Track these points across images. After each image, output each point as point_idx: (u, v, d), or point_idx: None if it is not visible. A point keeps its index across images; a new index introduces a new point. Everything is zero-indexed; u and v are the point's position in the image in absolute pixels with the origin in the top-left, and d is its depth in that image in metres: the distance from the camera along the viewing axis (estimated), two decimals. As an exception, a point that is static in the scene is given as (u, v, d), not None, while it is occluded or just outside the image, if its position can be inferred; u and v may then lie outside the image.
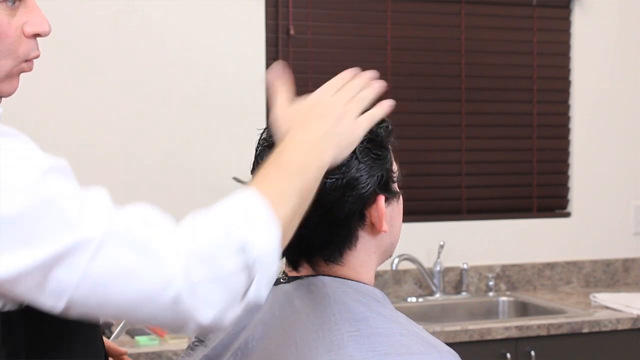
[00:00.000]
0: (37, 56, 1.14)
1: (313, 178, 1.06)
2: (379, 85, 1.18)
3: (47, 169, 0.99)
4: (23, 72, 1.13)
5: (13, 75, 1.12)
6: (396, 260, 3.26)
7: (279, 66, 1.19)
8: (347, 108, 1.12)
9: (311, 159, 1.06)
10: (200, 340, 1.29)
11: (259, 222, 0.98)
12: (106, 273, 0.95)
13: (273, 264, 1.00)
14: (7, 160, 0.96)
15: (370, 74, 1.20)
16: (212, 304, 0.96)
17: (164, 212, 1.00)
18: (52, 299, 0.95)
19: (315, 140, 1.08)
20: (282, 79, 1.18)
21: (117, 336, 1.84)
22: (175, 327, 0.99)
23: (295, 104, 1.15)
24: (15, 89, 1.14)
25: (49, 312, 0.97)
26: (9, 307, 1.01)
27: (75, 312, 0.97)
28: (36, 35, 1.13)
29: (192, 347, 1.30)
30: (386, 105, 1.16)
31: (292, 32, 3.29)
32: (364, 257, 1.23)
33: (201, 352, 1.27)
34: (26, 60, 1.13)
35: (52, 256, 0.93)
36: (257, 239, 0.97)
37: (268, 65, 3.26)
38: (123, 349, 1.47)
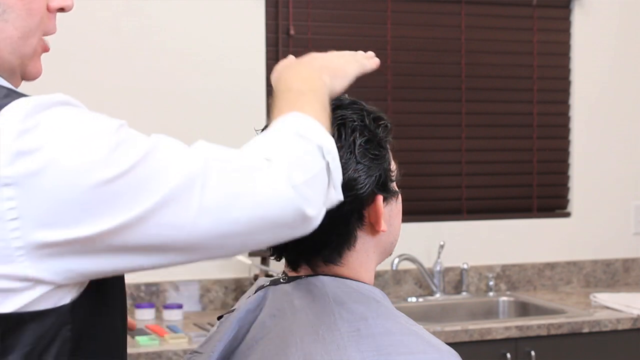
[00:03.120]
0: (54, 32, 1.14)
1: (322, 94, 1.16)
2: (376, 60, 1.30)
3: (120, 126, 1.02)
4: (44, 51, 1.15)
5: (37, 54, 1.13)
6: (396, 260, 3.26)
7: None
8: (339, 57, 1.26)
9: (314, 81, 1.17)
10: (197, 352, 1.29)
11: (319, 130, 1.08)
12: (220, 199, 0.99)
13: (338, 162, 1.09)
14: (90, 125, 0.99)
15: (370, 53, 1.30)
16: (314, 199, 1.04)
17: None
18: (170, 240, 0.98)
19: (310, 69, 1.19)
20: None
21: None
22: (291, 225, 1.04)
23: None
24: (40, 73, 1.18)
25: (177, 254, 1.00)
26: (71, 297, 1.00)
27: (194, 250, 1.00)
28: (60, 9, 1.13)
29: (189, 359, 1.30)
30: (375, 61, 1.29)
31: (292, 32, 3.29)
32: (363, 257, 1.23)
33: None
34: (43, 35, 1.13)
35: (159, 201, 0.96)
36: (326, 143, 1.07)
37: (268, 65, 3.26)
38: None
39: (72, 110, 0.99)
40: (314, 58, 1.23)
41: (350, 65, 1.24)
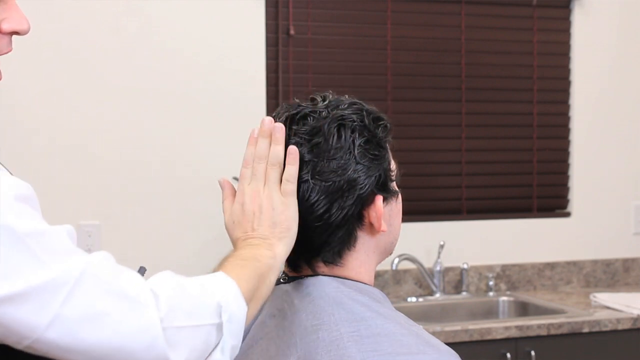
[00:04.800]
0: (9, 51, 1.10)
1: (267, 265, 1.13)
2: (279, 129, 1.19)
3: (14, 198, 0.95)
4: None
5: None
6: (396, 260, 3.26)
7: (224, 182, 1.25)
8: (265, 194, 1.18)
9: (260, 252, 1.14)
10: None
11: (230, 291, 1.05)
12: (80, 317, 0.93)
13: (240, 331, 1.05)
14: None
15: (267, 121, 1.20)
16: (182, 349, 0.98)
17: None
18: (16, 337, 0.93)
19: (257, 243, 1.15)
20: (229, 186, 1.24)
21: None
22: None
23: (232, 208, 1.21)
24: None
25: (12, 346, 0.94)
26: None
27: (41, 352, 0.94)
28: (14, 32, 1.09)
29: None
30: (293, 154, 1.18)
31: (292, 32, 3.29)
32: (363, 257, 1.23)
33: None
34: None
35: (20, 293, 0.91)
36: (230, 304, 1.03)
37: (268, 65, 3.26)
38: None
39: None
40: (252, 223, 1.18)
41: (286, 207, 1.17)
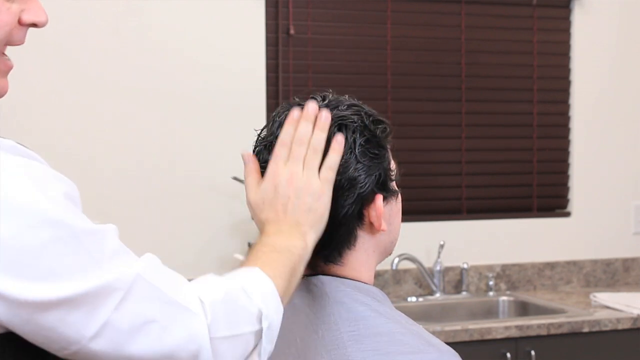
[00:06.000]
0: (21, 44, 1.08)
1: (299, 256, 1.11)
2: (325, 117, 1.17)
3: (64, 195, 0.93)
4: (8, 69, 1.09)
5: (1, 71, 1.08)
6: (396, 260, 3.26)
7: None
8: (304, 178, 1.14)
9: (293, 240, 1.11)
10: None
11: (269, 295, 1.04)
12: (130, 324, 0.91)
13: (276, 336, 1.05)
14: (25, 184, 0.90)
15: (312, 105, 1.18)
16: (226, 358, 0.98)
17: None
18: (63, 343, 0.90)
19: (289, 230, 1.12)
20: (253, 160, 1.20)
21: None
22: None
23: (261, 186, 1.16)
24: (6, 91, 1.10)
25: (53, 353, 0.92)
26: None
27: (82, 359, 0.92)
28: (33, 24, 1.07)
29: None
30: (339, 143, 1.16)
31: (292, 32, 3.29)
32: (363, 256, 1.23)
33: None
34: (6, 45, 1.07)
35: (74, 296, 0.88)
36: (270, 311, 1.03)
37: (268, 65, 3.26)
38: None
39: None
40: (286, 206, 1.14)
41: (323, 194, 1.15)
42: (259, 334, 1.02)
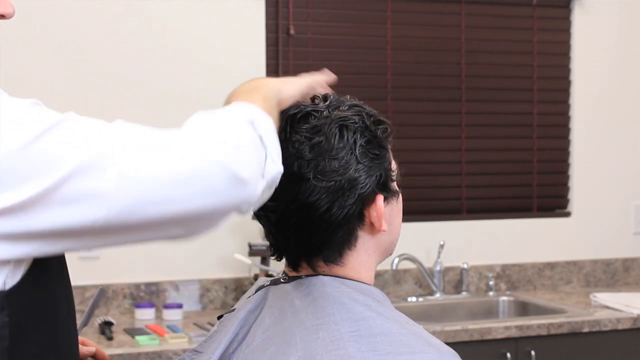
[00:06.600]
0: None
1: (268, 90, 1.16)
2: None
3: (33, 103, 0.99)
4: None
5: None
6: (396, 260, 3.26)
7: None
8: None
9: (261, 84, 1.18)
10: (197, 351, 1.29)
11: (250, 108, 1.08)
12: (141, 162, 0.94)
13: (276, 138, 1.08)
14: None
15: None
16: (246, 162, 1.00)
17: None
18: (94, 206, 0.92)
19: (258, 81, 1.19)
20: None
21: (83, 325, 1.73)
22: (224, 191, 0.99)
23: None
24: None
25: (99, 225, 0.94)
26: (5, 281, 0.96)
27: (123, 221, 0.94)
28: (0, 16, 1.11)
29: (191, 358, 1.29)
30: (330, 76, 1.27)
31: (292, 32, 3.29)
32: (363, 256, 1.23)
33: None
34: None
35: (84, 161, 0.92)
36: (259, 117, 1.06)
37: (268, 65, 3.27)
38: (89, 348, 1.41)
39: None
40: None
41: (300, 79, 1.24)
42: (260, 140, 1.04)
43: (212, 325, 1.40)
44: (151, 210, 0.95)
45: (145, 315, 3.01)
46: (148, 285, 3.13)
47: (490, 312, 3.42)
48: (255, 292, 1.28)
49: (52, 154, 0.92)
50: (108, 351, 2.47)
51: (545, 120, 3.65)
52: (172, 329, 2.84)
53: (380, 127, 1.23)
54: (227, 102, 1.14)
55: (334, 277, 1.22)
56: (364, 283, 1.24)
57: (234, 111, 1.06)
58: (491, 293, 3.47)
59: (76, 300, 1.68)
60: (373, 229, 1.22)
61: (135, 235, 0.99)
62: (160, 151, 0.96)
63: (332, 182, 1.18)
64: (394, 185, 1.25)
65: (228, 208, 1.00)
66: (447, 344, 1.21)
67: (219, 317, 1.31)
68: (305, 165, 1.18)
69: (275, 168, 1.06)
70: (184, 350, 2.60)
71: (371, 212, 1.21)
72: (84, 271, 3.00)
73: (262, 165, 1.03)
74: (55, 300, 1.06)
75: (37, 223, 0.92)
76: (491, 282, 3.47)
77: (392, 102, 3.44)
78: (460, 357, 1.18)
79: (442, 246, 3.39)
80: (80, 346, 1.36)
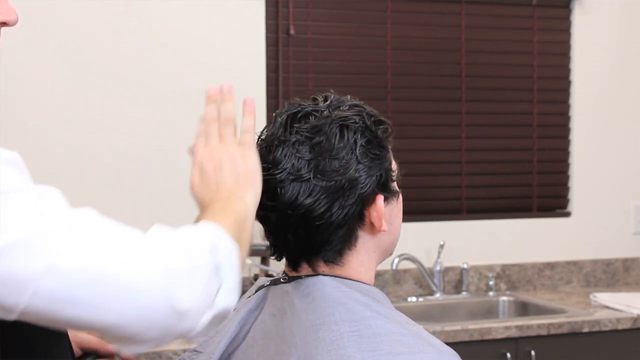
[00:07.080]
0: None
1: (241, 212, 1.09)
2: (227, 88, 1.22)
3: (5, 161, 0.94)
4: None
5: None
6: (396, 260, 3.26)
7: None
8: (222, 149, 1.15)
9: (233, 206, 1.09)
10: (197, 351, 1.29)
11: (219, 234, 1.02)
12: (76, 266, 0.90)
13: (237, 270, 1.02)
14: None
15: (213, 90, 1.23)
16: (190, 292, 0.95)
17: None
18: (14, 291, 0.87)
19: (226, 201, 1.10)
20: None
21: None
22: (152, 322, 0.95)
23: (191, 174, 1.16)
24: None
25: (5, 317, 0.90)
26: None
27: (37, 312, 0.90)
28: (2, 23, 1.09)
29: (191, 358, 1.29)
30: (249, 105, 1.22)
31: (292, 32, 3.29)
32: (363, 257, 1.23)
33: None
34: None
35: (13, 242, 0.87)
36: (222, 245, 1.00)
37: (268, 65, 3.27)
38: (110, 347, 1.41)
39: None
40: (217, 185, 1.13)
41: (247, 164, 1.14)
42: (217, 270, 0.99)
43: (212, 325, 1.40)
44: (71, 311, 0.91)
45: (145, 315, 3.00)
46: (148, 285, 3.12)
47: (490, 312, 3.42)
48: (255, 292, 1.28)
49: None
50: (108, 351, 2.47)
51: (545, 120, 3.65)
52: (172, 329, 2.83)
53: (381, 127, 1.23)
54: (201, 212, 1.10)
55: (334, 277, 1.22)
56: (364, 283, 1.24)
57: (197, 234, 1.01)
58: (491, 293, 3.47)
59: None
60: (373, 229, 1.22)
61: (58, 325, 0.94)
62: (104, 251, 0.92)
63: (333, 182, 1.18)
64: (394, 185, 1.25)
65: (161, 334, 0.97)
66: (447, 344, 1.21)
67: (219, 317, 1.30)
68: (306, 165, 1.18)
69: (227, 301, 1.00)
70: (184, 350, 2.60)
71: (371, 212, 1.21)
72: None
73: (211, 296, 0.97)
74: None
75: None
76: (491, 282, 3.47)
77: (392, 102, 3.44)
78: (460, 357, 1.18)
79: (442, 246, 3.39)
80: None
